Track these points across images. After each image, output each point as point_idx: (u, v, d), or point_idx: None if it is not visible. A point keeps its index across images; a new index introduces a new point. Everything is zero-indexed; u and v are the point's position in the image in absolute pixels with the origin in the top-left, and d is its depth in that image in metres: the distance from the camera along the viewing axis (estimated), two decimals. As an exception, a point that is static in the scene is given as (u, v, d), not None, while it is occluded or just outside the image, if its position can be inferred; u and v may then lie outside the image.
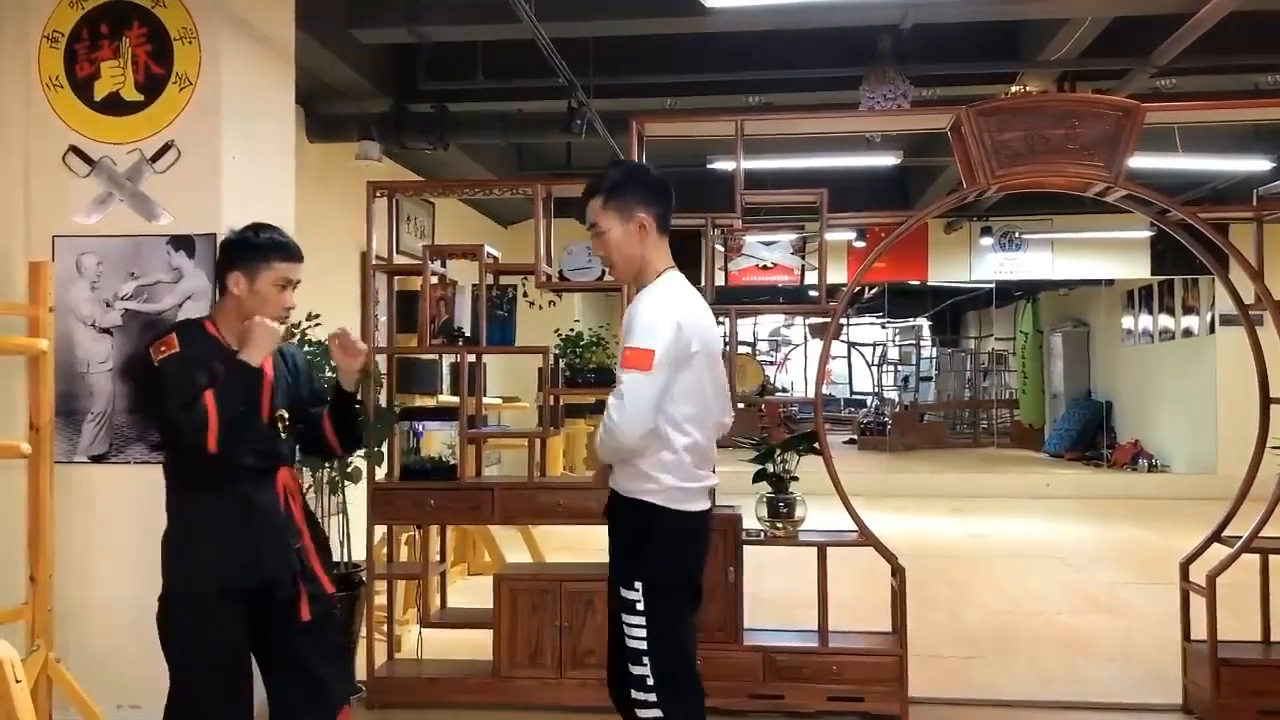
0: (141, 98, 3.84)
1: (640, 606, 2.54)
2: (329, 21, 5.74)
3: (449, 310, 4.57)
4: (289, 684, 2.77)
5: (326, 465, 4.29)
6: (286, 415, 2.82)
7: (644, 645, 2.53)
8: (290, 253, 2.79)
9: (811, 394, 4.76)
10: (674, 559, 2.62)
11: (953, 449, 16.55)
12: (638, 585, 2.55)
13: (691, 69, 6.60)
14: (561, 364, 4.56)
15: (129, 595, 3.76)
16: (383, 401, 4.50)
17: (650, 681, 2.52)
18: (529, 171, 9.58)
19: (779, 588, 5.87)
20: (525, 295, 4.80)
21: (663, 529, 2.60)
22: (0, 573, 3.74)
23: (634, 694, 2.53)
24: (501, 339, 4.45)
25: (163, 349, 2.65)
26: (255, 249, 2.75)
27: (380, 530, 4.65)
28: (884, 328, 21.93)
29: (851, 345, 21.42)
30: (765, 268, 11.63)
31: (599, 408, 3.11)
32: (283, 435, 2.80)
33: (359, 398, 3.03)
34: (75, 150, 3.85)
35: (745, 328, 20.22)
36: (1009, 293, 16.68)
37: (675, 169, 8.51)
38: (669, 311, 2.58)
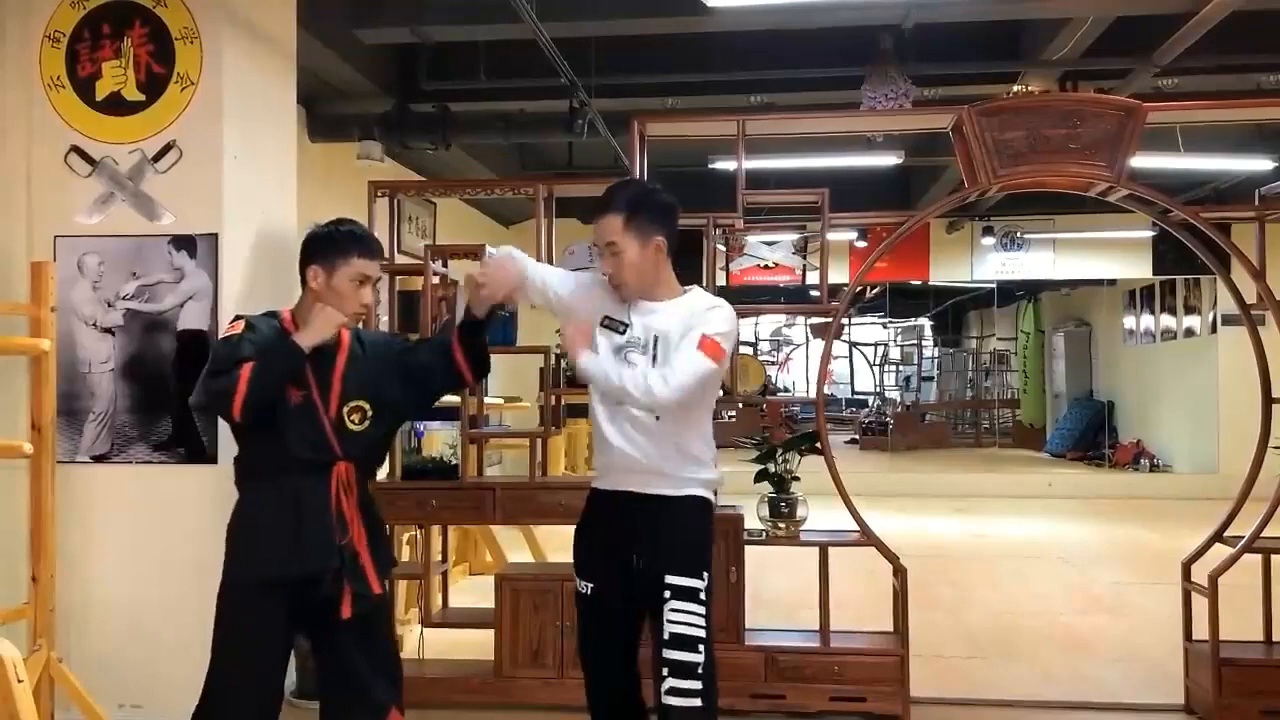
0: (143, 98, 3.84)
1: (703, 596, 2.62)
2: (331, 21, 5.75)
3: (450, 310, 4.57)
4: (333, 682, 2.78)
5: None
6: (367, 406, 2.76)
7: (703, 633, 2.59)
8: (369, 248, 2.78)
9: (813, 394, 4.76)
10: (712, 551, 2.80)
11: (954, 449, 16.54)
12: (706, 575, 2.65)
13: (693, 69, 6.60)
14: (563, 364, 4.56)
15: (131, 595, 3.78)
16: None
17: (701, 669, 2.56)
18: (530, 171, 9.59)
19: (781, 588, 5.86)
20: (527, 295, 4.78)
21: (712, 524, 2.78)
22: (2, 572, 3.75)
23: (678, 683, 2.54)
24: (503, 339, 4.44)
25: (229, 330, 2.73)
26: (334, 243, 2.75)
27: (382, 530, 4.64)
28: (885, 327, 21.93)
29: (853, 345, 21.42)
30: (767, 267, 11.65)
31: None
32: (357, 427, 2.75)
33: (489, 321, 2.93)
34: (77, 150, 3.85)
35: (747, 327, 20.20)
36: (1011, 293, 16.68)
37: (676, 169, 8.60)
38: (734, 332, 2.77)
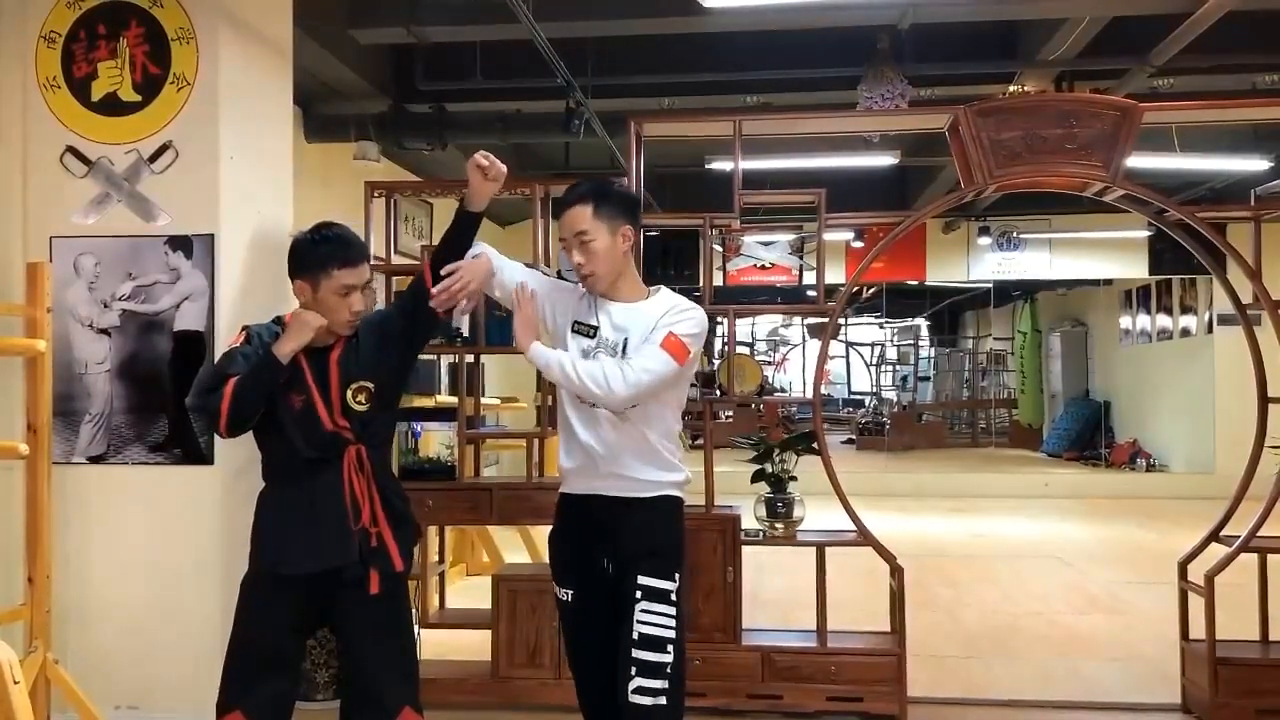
0: (139, 98, 3.83)
1: (673, 597, 2.63)
2: (327, 21, 5.75)
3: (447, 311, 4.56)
4: (349, 680, 2.82)
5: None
6: (370, 385, 2.79)
7: (673, 634, 2.60)
8: (350, 259, 2.74)
9: (810, 394, 4.76)
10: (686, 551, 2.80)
11: (951, 449, 16.55)
12: (677, 577, 2.65)
13: (689, 69, 6.60)
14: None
15: (127, 596, 3.77)
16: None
17: (669, 669, 2.57)
18: (527, 172, 9.58)
19: (778, 588, 5.88)
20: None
21: (684, 524, 2.77)
22: (-2, 574, 3.75)
23: (644, 683, 2.55)
24: (500, 339, 4.44)
25: (231, 341, 2.78)
26: (314, 257, 2.73)
27: (379, 531, 4.64)
28: (882, 328, 21.95)
29: (850, 345, 21.42)
30: (763, 268, 11.58)
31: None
32: (362, 407, 2.77)
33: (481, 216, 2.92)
34: (73, 151, 3.85)
35: (744, 328, 20.23)
36: (1007, 292, 16.69)
37: (673, 169, 8.59)
38: (702, 336, 2.73)
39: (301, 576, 2.71)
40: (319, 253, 2.73)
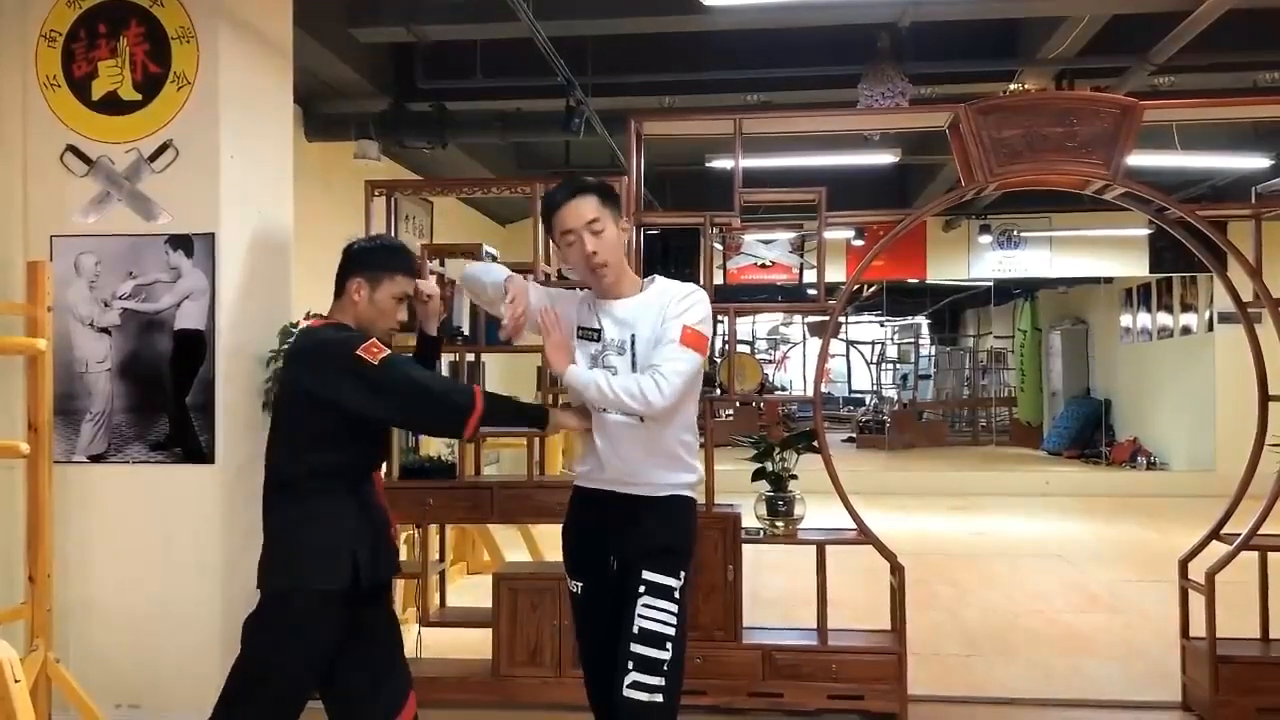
0: (139, 97, 3.84)
1: (677, 595, 2.61)
2: (327, 20, 5.75)
3: (448, 309, 4.57)
4: (359, 669, 2.75)
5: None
6: None
7: (673, 631, 2.58)
8: (412, 270, 2.84)
9: (810, 392, 4.76)
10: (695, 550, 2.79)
11: (951, 447, 16.54)
12: (682, 575, 2.64)
13: (690, 67, 6.60)
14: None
15: (128, 595, 3.78)
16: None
17: (666, 666, 2.55)
18: (527, 170, 9.58)
19: (778, 586, 5.88)
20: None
21: (696, 522, 2.75)
22: (-1, 573, 3.75)
23: (641, 678, 2.54)
24: (499, 338, 4.44)
25: (374, 350, 2.59)
26: (381, 259, 2.78)
27: (379, 529, 4.64)
28: (883, 326, 21.94)
29: (850, 343, 21.42)
30: (764, 266, 11.64)
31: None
32: None
33: (442, 338, 3.10)
34: (73, 150, 3.85)
35: (744, 326, 20.23)
36: (1008, 291, 16.69)
37: (673, 168, 8.58)
38: (710, 317, 2.71)
39: (357, 590, 2.67)
40: (386, 257, 2.79)
